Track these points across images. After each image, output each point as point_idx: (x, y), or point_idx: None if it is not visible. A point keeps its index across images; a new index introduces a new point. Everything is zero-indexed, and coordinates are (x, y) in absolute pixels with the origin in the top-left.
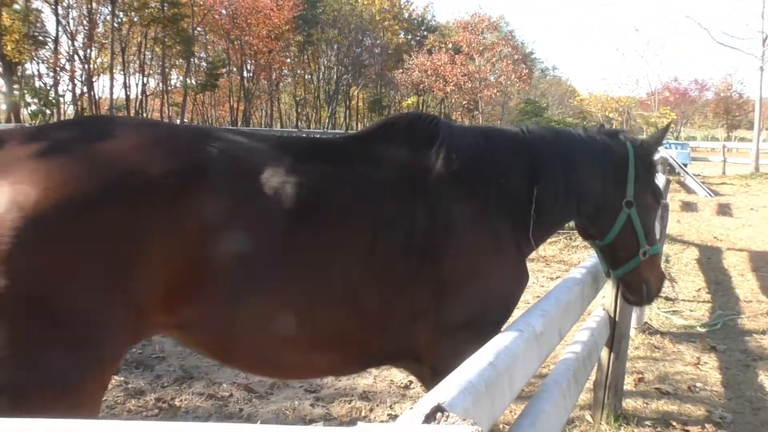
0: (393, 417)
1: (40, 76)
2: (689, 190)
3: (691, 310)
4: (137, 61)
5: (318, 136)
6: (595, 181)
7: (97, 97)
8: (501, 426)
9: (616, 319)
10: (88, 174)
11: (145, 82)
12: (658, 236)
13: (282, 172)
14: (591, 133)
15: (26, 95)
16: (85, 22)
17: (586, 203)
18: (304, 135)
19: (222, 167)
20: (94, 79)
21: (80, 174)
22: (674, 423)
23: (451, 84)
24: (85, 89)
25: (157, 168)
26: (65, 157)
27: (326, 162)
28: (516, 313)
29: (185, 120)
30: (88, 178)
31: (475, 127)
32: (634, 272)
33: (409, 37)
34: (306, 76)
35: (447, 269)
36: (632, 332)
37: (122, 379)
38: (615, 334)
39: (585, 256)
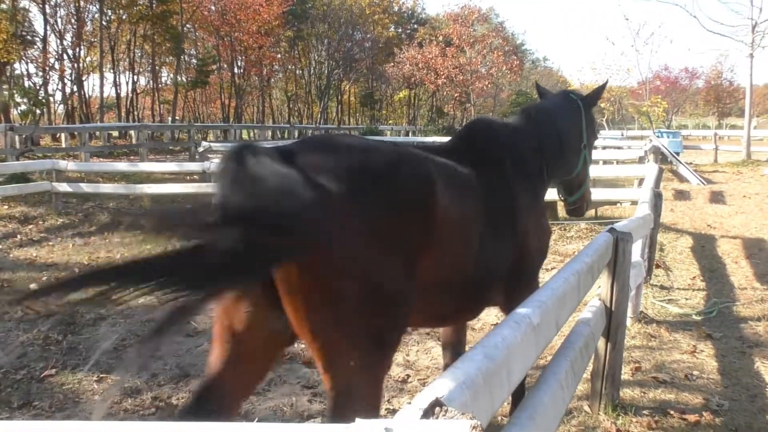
0: (391, 411)
1: (29, 76)
2: (682, 179)
3: (687, 299)
4: (127, 59)
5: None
6: (572, 140)
7: (87, 96)
8: (499, 418)
9: (613, 308)
10: (396, 179)
11: (135, 80)
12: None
13: (457, 172)
14: (557, 100)
15: (15, 95)
16: (73, 21)
17: (570, 160)
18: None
19: (437, 170)
20: (83, 78)
21: (396, 178)
22: (672, 411)
23: (443, 77)
24: (74, 88)
25: (418, 174)
26: (387, 170)
27: (467, 164)
28: None
29: (176, 117)
30: (400, 182)
31: (512, 125)
32: (583, 195)
33: (400, 30)
34: (297, 72)
35: (524, 235)
36: (628, 321)
37: (118, 378)
38: (611, 324)
39: (579, 247)
